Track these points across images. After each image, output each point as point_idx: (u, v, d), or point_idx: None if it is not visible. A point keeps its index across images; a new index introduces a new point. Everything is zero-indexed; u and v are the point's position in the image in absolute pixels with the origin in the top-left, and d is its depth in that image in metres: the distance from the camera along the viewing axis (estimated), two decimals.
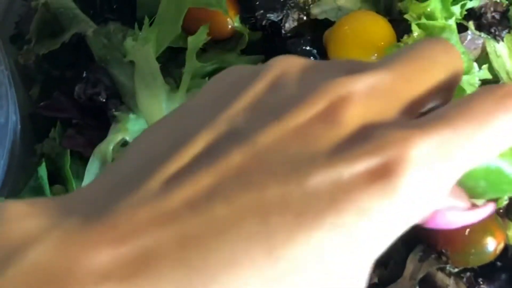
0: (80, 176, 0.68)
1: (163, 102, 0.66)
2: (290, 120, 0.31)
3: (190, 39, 0.67)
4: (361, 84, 0.32)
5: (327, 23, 0.71)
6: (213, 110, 0.33)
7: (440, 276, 0.63)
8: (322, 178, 0.29)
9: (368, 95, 0.32)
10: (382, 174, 0.29)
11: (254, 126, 0.31)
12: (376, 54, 0.67)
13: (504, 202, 0.66)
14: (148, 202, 0.30)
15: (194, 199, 0.30)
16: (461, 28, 0.68)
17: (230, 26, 0.72)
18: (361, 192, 0.29)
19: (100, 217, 0.30)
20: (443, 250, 0.62)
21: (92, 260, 0.29)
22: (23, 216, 0.31)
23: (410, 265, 0.63)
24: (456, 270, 0.64)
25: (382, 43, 0.67)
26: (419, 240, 0.64)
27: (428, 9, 0.66)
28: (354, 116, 0.31)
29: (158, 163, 0.31)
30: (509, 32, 0.69)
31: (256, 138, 0.31)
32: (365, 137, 0.30)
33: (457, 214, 0.38)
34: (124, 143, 0.69)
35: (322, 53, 0.71)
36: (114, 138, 0.68)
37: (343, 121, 0.31)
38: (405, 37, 0.67)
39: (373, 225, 0.30)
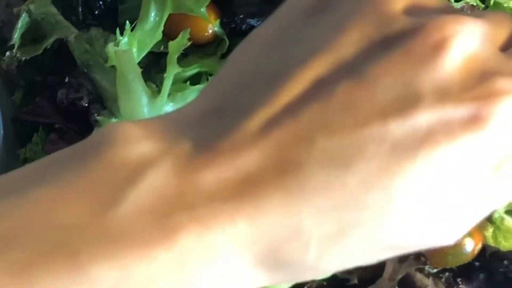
0: None
1: (145, 107, 0.67)
2: (400, 52, 0.32)
3: (171, 44, 0.68)
4: (471, 26, 0.33)
5: None
6: (317, 39, 0.34)
7: (419, 276, 0.64)
8: (426, 115, 0.31)
9: (477, 38, 0.33)
10: (481, 115, 0.32)
11: (361, 58, 0.33)
12: None
13: None
14: (253, 135, 0.32)
15: (296, 131, 0.32)
16: None
17: (210, 31, 0.72)
18: (460, 129, 0.31)
19: (208, 145, 0.32)
20: (422, 251, 0.63)
21: (200, 184, 0.32)
22: (139, 139, 0.33)
23: (389, 266, 0.64)
24: (434, 270, 0.64)
25: None
26: None
27: None
28: (464, 57, 0.32)
29: (261, 93, 0.33)
30: None
31: (364, 70, 0.32)
32: (472, 80, 0.32)
33: None
34: None
35: None
36: None
37: (453, 58, 0.32)
38: None
39: (467, 158, 0.32)
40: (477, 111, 0.32)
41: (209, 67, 0.72)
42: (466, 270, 0.65)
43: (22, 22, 0.78)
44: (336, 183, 0.31)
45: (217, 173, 0.32)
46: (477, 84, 0.32)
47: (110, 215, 0.31)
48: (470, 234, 0.63)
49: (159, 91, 0.69)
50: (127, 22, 0.70)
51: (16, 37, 0.77)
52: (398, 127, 0.31)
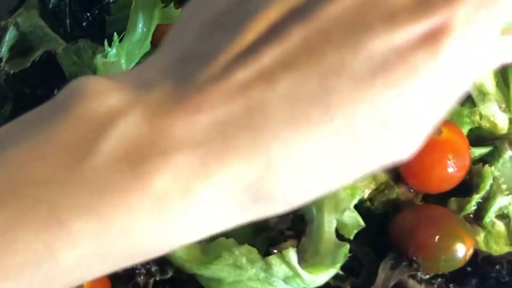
0: None
1: None
2: None
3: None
4: None
5: None
6: None
7: (411, 283, 0.64)
8: (377, 44, 0.33)
9: None
10: (431, 36, 0.33)
11: (313, 2, 0.34)
12: None
13: (473, 207, 0.67)
14: (217, 78, 0.33)
15: (260, 72, 0.33)
16: None
17: None
18: (412, 53, 0.33)
19: (175, 92, 0.34)
20: (414, 257, 0.63)
21: (171, 130, 0.33)
22: (108, 90, 0.34)
23: (382, 273, 0.63)
24: (427, 276, 0.64)
25: None
26: (390, 248, 0.65)
27: None
28: None
29: (222, 39, 0.35)
30: None
31: (316, 13, 0.34)
32: (416, 4, 0.33)
33: None
34: None
35: None
36: None
37: None
38: None
39: (424, 82, 0.33)
40: (427, 33, 0.33)
41: None
42: (459, 276, 0.64)
43: (9, 35, 0.78)
44: (301, 117, 0.33)
45: (186, 118, 0.33)
46: (425, 8, 0.33)
47: (84, 167, 0.32)
48: (461, 240, 0.63)
49: None
50: (115, 33, 0.70)
51: (4, 50, 0.77)
52: (354, 59, 0.33)
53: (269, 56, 0.33)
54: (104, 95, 0.34)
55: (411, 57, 0.33)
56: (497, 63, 0.39)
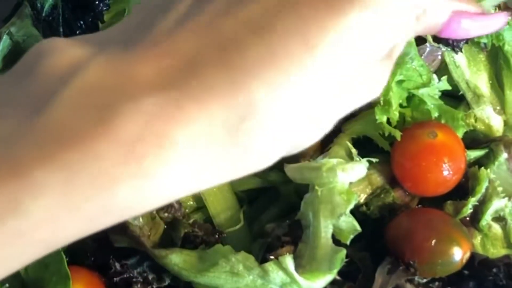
0: None
1: None
2: None
3: None
4: None
5: None
6: None
7: (408, 287, 0.63)
8: None
9: None
10: None
11: None
12: None
13: (469, 210, 0.66)
14: (183, 20, 0.33)
15: (227, 6, 0.33)
16: (420, 41, 0.69)
17: None
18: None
19: (141, 41, 0.33)
20: (411, 262, 0.63)
21: (138, 74, 0.31)
22: (67, 46, 0.33)
23: (379, 278, 0.63)
24: (424, 280, 0.64)
25: None
26: (387, 253, 0.65)
27: None
28: None
29: (169, 6, 0.34)
30: (467, 43, 0.70)
31: None
32: None
33: (471, 22, 0.38)
34: None
35: None
36: None
37: None
38: None
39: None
40: None
41: None
42: (456, 279, 0.64)
43: (3, 45, 0.77)
44: (280, 51, 0.32)
45: (155, 61, 0.32)
46: None
47: (45, 117, 0.31)
48: (458, 243, 0.63)
49: None
50: None
51: None
52: None
53: (214, 4, 0.33)
54: (65, 50, 0.33)
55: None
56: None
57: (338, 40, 0.32)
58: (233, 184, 0.72)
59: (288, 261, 0.61)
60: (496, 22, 0.40)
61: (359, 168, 0.65)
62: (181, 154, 0.31)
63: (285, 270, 0.61)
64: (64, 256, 0.66)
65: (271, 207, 0.73)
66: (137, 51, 0.32)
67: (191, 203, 0.72)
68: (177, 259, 0.64)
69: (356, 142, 0.69)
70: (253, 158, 0.34)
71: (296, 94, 0.32)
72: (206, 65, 0.31)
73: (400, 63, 0.66)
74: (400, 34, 0.35)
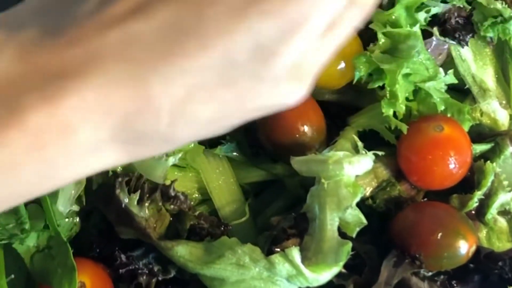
0: (54, 194, 0.68)
1: None
2: None
3: None
4: None
5: None
6: None
7: (414, 280, 0.64)
8: None
9: None
10: None
11: None
12: (343, 64, 0.68)
13: (475, 204, 0.67)
14: (93, 12, 0.34)
15: (136, 4, 0.33)
16: (426, 35, 0.69)
17: None
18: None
19: (51, 29, 0.33)
20: (417, 255, 0.63)
21: (47, 65, 0.33)
22: None
23: (385, 270, 0.63)
24: (430, 273, 0.64)
25: (349, 52, 0.68)
26: (392, 246, 0.65)
27: (393, 17, 0.67)
28: None
29: None
30: (473, 37, 0.70)
31: None
32: None
33: None
34: None
35: None
36: None
37: None
38: (371, 45, 0.67)
39: (297, 8, 0.33)
40: None
41: None
42: (461, 272, 0.64)
43: None
44: (177, 50, 0.33)
45: (61, 52, 0.33)
46: None
47: None
48: (464, 237, 0.63)
49: None
50: None
51: None
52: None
53: None
54: None
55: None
56: None
57: (233, 43, 0.33)
58: (238, 177, 0.72)
59: (295, 253, 0.61)
60: None
61: (365, 161, 0.65)
62: (81, 142, 0.33)
63: (291, 262, 0.61)
64: (70, 248, 0.66)
65: (276, 200, 0.73)
66: (46, 40, 0.33)
67: (196, 195, 0.72)
68: (183, 251, 0.64)
69: (362, 135, 0.69)
70: (152, 146, 0.36)
71: (190, 90, 0.34)
72: (110, 58, 0.33)
73: (406, 56, 0.66)
74: (303, 39, 0.35)
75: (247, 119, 0.38)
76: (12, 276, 0.67)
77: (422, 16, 0.68)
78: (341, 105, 0.73)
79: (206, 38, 0.33)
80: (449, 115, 0.68)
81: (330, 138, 0.69)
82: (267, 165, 0.72)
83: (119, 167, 0.70)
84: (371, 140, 0.69)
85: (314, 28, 0.34)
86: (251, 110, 0.37)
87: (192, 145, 0.72)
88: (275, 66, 0.34)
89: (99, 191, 0.69)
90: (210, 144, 0.73)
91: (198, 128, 0.35)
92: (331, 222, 0.63)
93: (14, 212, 0.68)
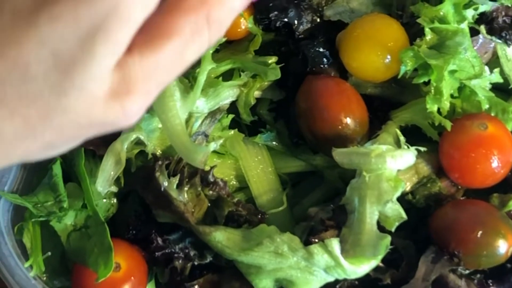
0: (93, 174, 0.68)
1: (177, 102, 0.66)
2: None
3: None
4: None
5: (340, 25, 0.72)
6: None
7: (452, 277, 0.63)
8: None
9: None
10: None
11: None
12: (389, 57, 0.68)
13: None
14: None
15: None
16: (473, 32, 0.68)
17: (244, 27, 0.72)
18: None
19: None
20: (455, 252, 0.63)
21: None
22: None
23: (422, 266, 0.63)
24: (467, 272, 0.64)
25: (395, 46, 0.67)
26: (431, 242, 0.65)
27: (441, 13, 0.66)
28: None
29: None
30: None
31: None
32: None
33: None
34: (137, 142, 0.69)
35: (335, 55, 0.71)
36: (128, 137, 0.68)
37: None
38: (418, 40, 0.67)
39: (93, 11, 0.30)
40: None
41: (241, 63, 0.71)
42: (498, 272, 0.64)
43: None
44: None
45: None
46: None
47: None
48: (503, 236, 0.62)
49: (191, 86, 0.69)
50: None
51: None
52: None
53: None
54: None
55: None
56: None
57: (24, 54, 0.30)
58: (277, 166, 0.72)
59: (335, 244, 0.60)
60: None
61: (408, 156, 0.64)
62: None
63: (330, 253, 0.60)
64: (107, 228, 0.66)
65: (314, 191, 0.73)
66: None
67: (234, 182, 0.72)
68: (221, 237, 0.64)
69: (404, 130, 0.68)
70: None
71: None
72: None
73: (453, 52, 0.66)
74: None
75: (74, 138, 0.34)
76: (49, 253, 0.67)
77: (470, 13, 0.67)
78: (384, 99, 0.73)
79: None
80: (493, 114, 0.67)
81: (371, 132, 0.69)
82: (307, 155, 0.72)
83: (159, 150, 0.70)
84: (412, 135, 0.69)
85: (117, 33, 0.31)
86: (67, 128, 0.33)
87: (232, 132, 0.72)
88: (80, 76, 0.31)
89: (138, 173, 0.69)
90: (250, 132, 0.73)
91: (9, 147, 0.32)
92: (371, 216, 0.63)
93: (52, 190, 0.68)
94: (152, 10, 0.33)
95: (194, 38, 0.34)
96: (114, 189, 0.69)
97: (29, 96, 0.31)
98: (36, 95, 0.31)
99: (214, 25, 0.35)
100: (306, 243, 0.63)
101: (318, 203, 0.71)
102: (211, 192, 0.67)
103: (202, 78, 0.68)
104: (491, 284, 0.65)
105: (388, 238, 0.62)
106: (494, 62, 0.71)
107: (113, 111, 0.33)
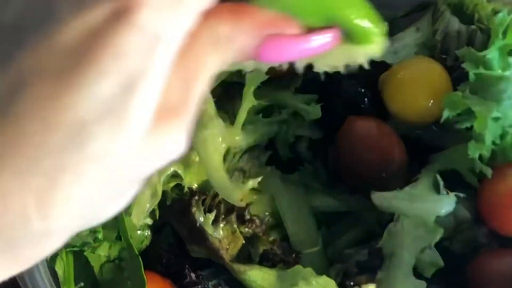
0: (129, 205, 0.68)
1: (218, 136, 0.66)
2: None
3: (249, 76, 0.67)
4: None
5: (382, 66, 0.71)
6: None
7: None
8: (71, 32, 0.29)
9: None
10: (122, 12, 0.29)
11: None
12: (432, 101, 0.67)
13: None
14: None
15: None
16: None
17: (285, 64, 0.72)
18: (112, 33, 0.29)
19: None
20: None
21: None
22: None
23: None
24: None
25: (439, 90, 0.67)
26: None
27: (486, 58, 0.66)
28: None
29: None
30: None
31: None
32: None
33: (290, 44, 0.36)
34: (174, 175, 0.69)
35: (377, 95, 0.71)
36: (164, 170, 0.68)
37: None
38: (462, 85, 0.67)
39: (134, 61, 0.29)
40: (117, 4, 0.29)
41: (281, 100, 0.71)
42: None
43: None
44: (21, 138, 0.29)
45: None
46: None
47: None
48: None
49: (231, 121, 0.68)
50: None
51: None
52: (50, 55, 0.29)
53: None
54: None
55: (111, 37, 0.29)
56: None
57: (76, 110, 0.29)
58: (312, 205, 0.71)
59: None
60: (320, 41, 0.37)
61: (447, 202, 0.64)
62: None
63: None
64: (141, 262, 0.65)
65: (349, 232, 0.72)
66: None
67: (269, 220, 0.72)
68: (256, 276, 0.63)
69: (442, 174, 0.68)
70: (37, 246, 0.32)
71: (51, 175, 0.30)
72: None
73: (497, 99, 0.65)
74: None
75: (132, 189, 0.34)
76: (82, 284, 0.67)
77: None
78: (424, 142, 0.72)
79: (44, 116, 0.29)
80: None
81: (411, 175, 0.68)
82: (344, 196, 0.72)
83: (195, 184, 0.69)
84: (450, 179, 0.68)
85: (155, 74, 0.31)
86: (134, 177, 0.33)
87: (269, 169, 0.72)
88: (130, 124, 0.30)
89: (173, 206, 0.69)
90: (287, 169, 0.73)
91: (77, 214, 0.31)
92: (407, 261, 0.63)
93: None
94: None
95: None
96: (149, 221, 0.69)
97: (92, 155, 0.30)
98: (99, 153, 0.30)
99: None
100: (341, 286, 0.62)
101: (353, 244, 0.70)
102: (246, 229, 0.67)
103: (242, 114, 0.68)
104: None
105: (424, 285, 0.61)
106: None
107: (172, 148, 0.33)
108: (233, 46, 0.35)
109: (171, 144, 0.33)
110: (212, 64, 0.34)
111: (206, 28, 0.34)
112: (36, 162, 0.29)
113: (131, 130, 0.30)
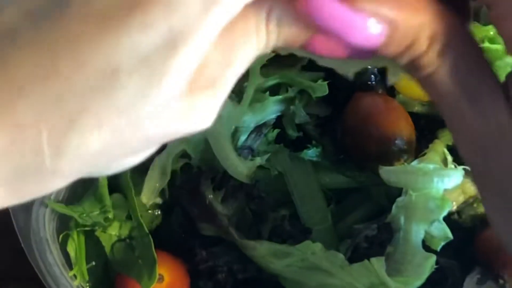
0: (139, 185, 0.69)
1: (225, 115, 0.67)
2: None
3: None
4: None
5: None
6: None
7: None
8: None
9: None
10: None
11: None
12: None
13: None
14: None
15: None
16: None
17: None
18: None
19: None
20: (500, 274, 0.62)
21: None
22: None
23: (467, 287, 0.63)
24: None
25: None
26: (476, 262, 0.64)
27: (491, 33, 0.66)
28: None
29: None
30: None
31: None
32: None
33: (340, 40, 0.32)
34: (183, 155, 0.69)
35: (383, 73, 0.71)
36: (173, 149, 0.68)
37: None
38: None
39: (185, 17, 0.29)
40: None
41: (288, 78, 0.71)
42: None
43: None
44: (50, 70, 0.29)
45: None
46: None
47: None
48: None
49: (238, 100, 0.69)
50: None
51: None
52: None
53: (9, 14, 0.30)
54: None
55: None
56: None
57: (112, 58, 0.29)
58: (321, 182, 0.72)
59: (380, 263, 0.60)
60: (371, 37, 0.32)
61: (455, 176, 0.64)
62: None
63: (375, 272, 0.60)
64: (152, 240, 0.66)
65: (358, 208, 0.72)
66: None
67: (278, 197, 0.72)
68: (265, 251, 0.64)
69: (450, 149, 0.68)
70: (41, 182, 0.32)
71: (70, 116, 0.30)
72: None
73: (503, 73, 0.65)
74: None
75: (156, 144, 0.33)
76: (93, 263, 0.68)
77: None
78: (431, 118, 0.72)
79: (79, 55, 0.29)
80: None
81: (418, 150, 0.69)
82: (352, 172, 0.72)
83: (204, 163, 0.70)
84: (457, 154, 0.68)
85: (204, 35, 0.30)
86: (154, 135, 0.32)
87: (277, 147, 0.72)
88: (166, 84, 0.30)
89: (182, 186, 0.69)
90: (295, 147, 0.73)
91: (90, 160, 0.31)
92: (416, 235, 0.63)
93: (98, 200, 0.68)
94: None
95: None
96: (158, 201, 0.70)
97: (118, 105, 0.30)
98: (126, 104, 0.30)
99: None
100: (351, 260, 0.63)
101: (362, 220, 0.71)
102: (255, 206, 0.67)
103: (249, 92, 0.68)
104: None
105: (434, 258, 0.61)
106: None
107: (202, 114, 0.32)
108: (284, 31, 0.33)
109: (202, 113, 0.32)
110: (257, 45, 0.33)
111: (259, 7, 0.33)
112: (58, 99, 0.29)
113: (163, 88, 0.30)
